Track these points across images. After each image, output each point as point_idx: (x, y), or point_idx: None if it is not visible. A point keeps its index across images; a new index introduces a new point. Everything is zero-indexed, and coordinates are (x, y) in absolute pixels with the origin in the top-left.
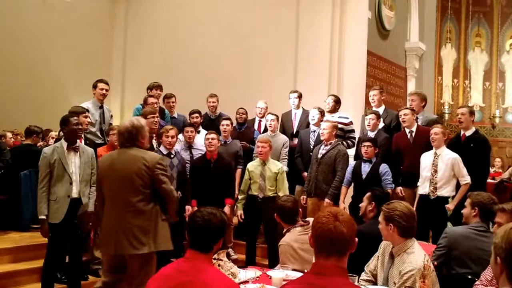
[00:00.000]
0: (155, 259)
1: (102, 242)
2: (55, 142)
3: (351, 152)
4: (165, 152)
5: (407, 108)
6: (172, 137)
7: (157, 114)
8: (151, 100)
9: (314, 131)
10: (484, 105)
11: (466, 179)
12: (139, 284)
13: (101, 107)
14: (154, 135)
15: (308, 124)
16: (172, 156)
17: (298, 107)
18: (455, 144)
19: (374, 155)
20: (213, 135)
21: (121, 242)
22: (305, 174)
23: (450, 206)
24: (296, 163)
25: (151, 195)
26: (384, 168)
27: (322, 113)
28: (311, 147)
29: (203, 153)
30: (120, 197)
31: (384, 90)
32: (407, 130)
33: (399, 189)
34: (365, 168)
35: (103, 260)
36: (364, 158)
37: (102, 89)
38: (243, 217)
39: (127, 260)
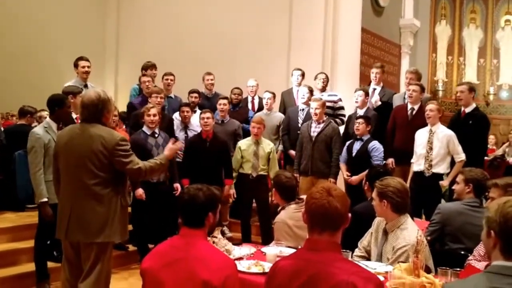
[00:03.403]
0: (111, 248)
1: (57, 226)
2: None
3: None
4: (148, 132)
5: (417, 85)
6: (154, 115)
7: (162, 95)
8: (143, 79)
9: (303, 109)
10: (478, 82)
11: (461, 156)
12: (90, 273)
13: (86, 85)
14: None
15: None
16: (156, 135)
17: (300, 84)
18: (455, 121)
19: (367, 132)
20: (208, 114)
21: (73, 228)
22: (292, 152)
23: (444, 182)
24: (283, 141)
25: (109, 179)
26: (372, 144)
27: (311, 91)
28: (299, 125)
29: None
30: (75, 179)
31: (384, 69)
32: (409, 106)
33: (390, 160)
34: (356, 146)
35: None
36: (356, 135)
37: (83, 66)
38: (235, 195)
39: (81, 248)
